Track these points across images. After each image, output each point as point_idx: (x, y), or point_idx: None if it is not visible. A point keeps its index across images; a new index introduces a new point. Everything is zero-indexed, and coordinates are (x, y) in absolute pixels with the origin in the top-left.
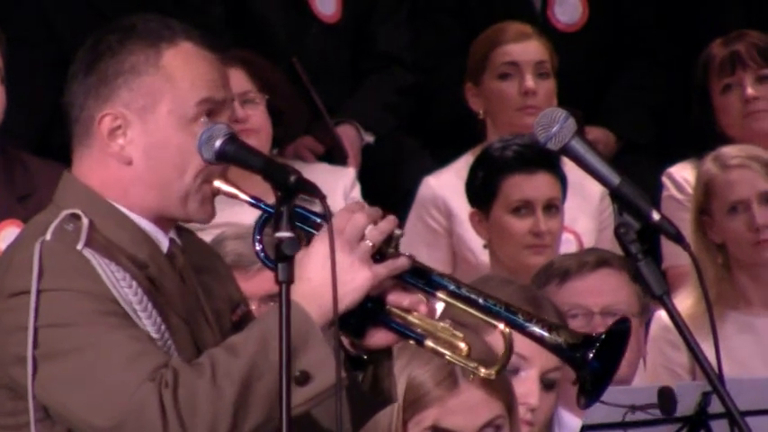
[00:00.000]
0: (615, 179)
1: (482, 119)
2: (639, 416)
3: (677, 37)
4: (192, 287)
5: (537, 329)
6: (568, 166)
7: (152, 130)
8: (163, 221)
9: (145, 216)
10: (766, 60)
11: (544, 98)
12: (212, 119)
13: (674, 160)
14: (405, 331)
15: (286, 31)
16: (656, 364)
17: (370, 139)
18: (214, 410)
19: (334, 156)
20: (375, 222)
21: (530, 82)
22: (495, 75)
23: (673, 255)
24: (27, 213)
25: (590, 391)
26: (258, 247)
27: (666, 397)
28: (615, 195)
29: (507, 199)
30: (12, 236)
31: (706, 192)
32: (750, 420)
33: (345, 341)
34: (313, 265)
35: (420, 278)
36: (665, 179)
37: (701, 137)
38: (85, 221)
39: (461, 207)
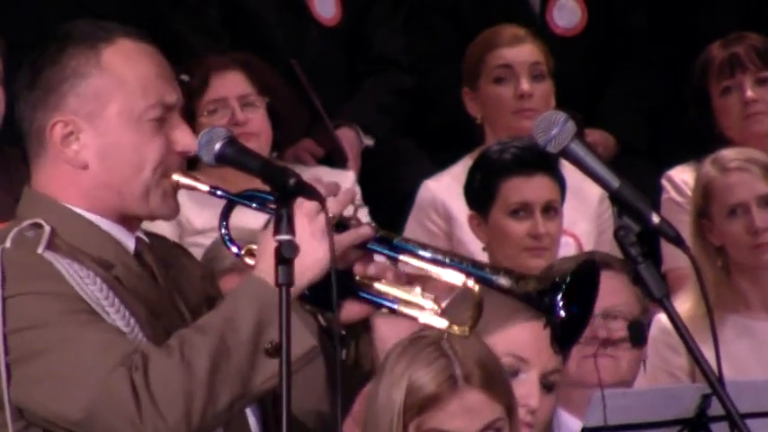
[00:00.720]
0: (615, 182)
1: (480, 123)
2: (640, 418)
3: (673, 40)
4: (165, 283)
5: (504, 281)
6: (567, 169)
7: (103, 131)
8: (127, 221)
9: (108, 217)
10: (766, 63)
11: (540, 100)
12: (165, 122)
13: (672, 163)
14: (376, 300)
15: (284, 33)
16: (655, 366)
17: (369, 141)
18: (186, 386)
19: (334, 158)
20: (334, 195)
21: (525, 85)
22: (491, 78)
23: (672, 257)
24: None
25: (564, 335)
26: (223, 231)
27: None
28: (615, 198)
29: (505, 201)
30: None
31: (705, 195)
32: (750, 423)
33: (321, 319)
34: (272, 241)
35: (384, 245)
36: (664, 182)
37: (699, 139)
38: (47, 228)
39: (461, 210)
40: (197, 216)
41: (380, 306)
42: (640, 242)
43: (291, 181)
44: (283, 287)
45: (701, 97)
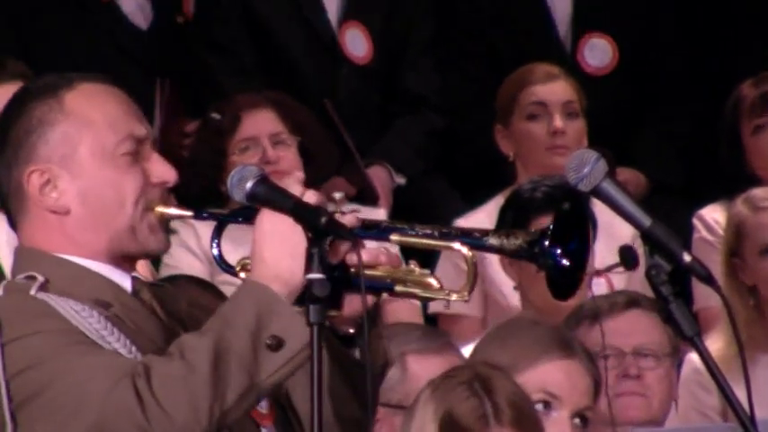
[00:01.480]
0: (646, 221)
1: (512, 161)
2: None
3: (705, 79)
4: (166, 319)
5: (494, 241)
6: (598, 207)
7: (79, 173)
8: (120, 260)
9: (100, 260)
10: None
11: (573, 138)
12: (139, 156)
13: (704, 202)
14: (374, 285)
15: (317, 72)
16: (687, 406)
17: (401, 180)
18: (190, 386)
19: (366, 197)
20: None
21: (558, 122)
22: (524, 116)
23: (704, 297)
24: None
25: (561, 280)
26: (215, 252)
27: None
28: (646, 237)
29: None
30: None
31: (737, 234)
32: None
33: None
34: (260, 245)
35: (372, 230)
36: (695, 221)
37: (731, 178)
38: (40, 278)
39: None
40: (230, 254)
41: (379, 290)
42: (672, 281)
43: (323, 220)
44: (314, 326)
45: (733, 136)
